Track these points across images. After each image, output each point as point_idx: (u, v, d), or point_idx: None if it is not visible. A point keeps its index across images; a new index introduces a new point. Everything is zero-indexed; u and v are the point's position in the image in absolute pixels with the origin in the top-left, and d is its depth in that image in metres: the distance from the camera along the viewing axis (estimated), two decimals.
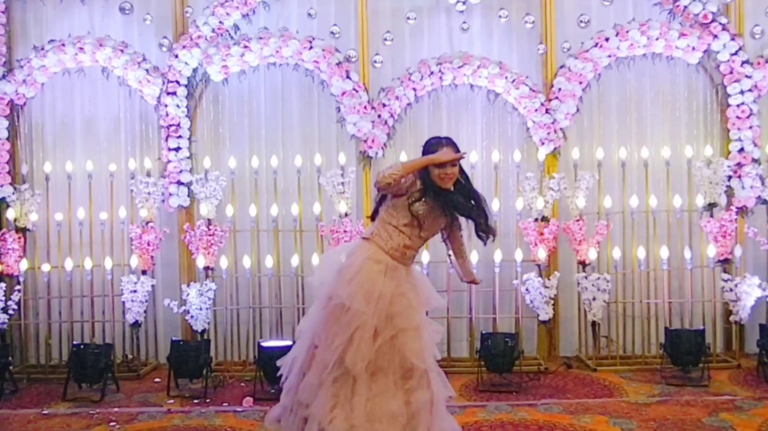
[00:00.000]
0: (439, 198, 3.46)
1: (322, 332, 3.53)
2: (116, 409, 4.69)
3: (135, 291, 5.41)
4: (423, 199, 3.44)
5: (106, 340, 5.57)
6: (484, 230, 3.57)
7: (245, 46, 5.60)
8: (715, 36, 5.55)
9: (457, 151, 3.48)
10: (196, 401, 4.85)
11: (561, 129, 5.61)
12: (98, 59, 5.68)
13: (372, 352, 3.43)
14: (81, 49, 5.63)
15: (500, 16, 5.76)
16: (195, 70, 5.68)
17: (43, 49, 5.67)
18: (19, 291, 5.46)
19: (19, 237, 5.58)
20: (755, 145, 5.56)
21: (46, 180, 5.74)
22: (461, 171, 3.54)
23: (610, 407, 4.52)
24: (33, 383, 5.37)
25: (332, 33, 5.73)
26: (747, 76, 5.54)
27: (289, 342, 5.08)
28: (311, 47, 5.57)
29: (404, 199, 3.45)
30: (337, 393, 3.46)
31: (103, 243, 5.66)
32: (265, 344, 5.04)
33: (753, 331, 5.59)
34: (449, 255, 3.81)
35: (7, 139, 5.74)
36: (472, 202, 3.57)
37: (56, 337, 5.68)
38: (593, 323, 5.43)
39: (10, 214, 5.59)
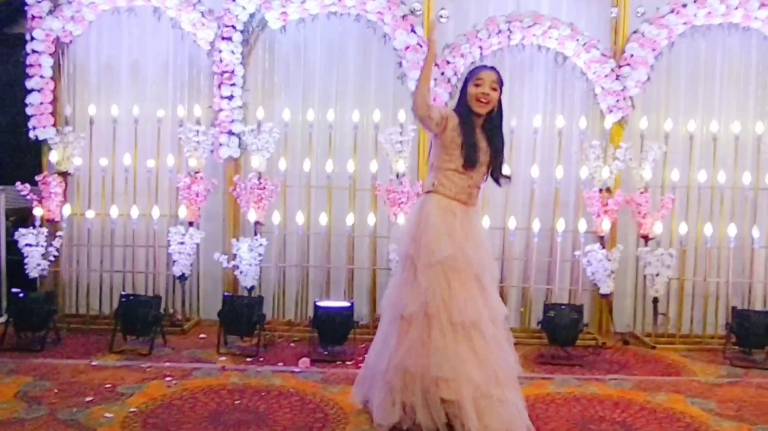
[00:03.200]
0: (477, 128, 3.47)
1: (414, 295, 3.38)
2: (168, 364, 4.51)
3: (183, 243, 5.21)
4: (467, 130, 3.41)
5: (147, 292, 5.39)
6: (500, 174, 3.59)
7: None
8: None
9: (500, 78, 3.45)
10: (249, 359, 4.68)
11: (630, 97, 5.40)
12: None
13: (480, 298, 3.36)
14: None
15: None
16: (252, 16, 5.42)
17: None
18: (60, 237, 5.24)
19: (61, 182, 5.36)
20: None
21: (90, 123, 5.50)
22: (500, 104, 3.50)
23: (682, 386, 4.38)
24: (74, 333, 5.19)
25: None
26: None
27: (345, 303, 4.95)
28: None
29: (449, 137, 3.39)
30: (459, 351, 3.32)
31: (149, 192, 5.44)
32: (321, 304, 4.86)
33: None
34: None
35: (51, 78, 5.46)
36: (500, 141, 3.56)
37: (95, 287, 5.48)
38: (654, 299, 5.28)
39: (53, 156, 5.35)
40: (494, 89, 3.42)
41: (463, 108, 3.47)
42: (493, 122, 3.52)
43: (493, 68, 3.51)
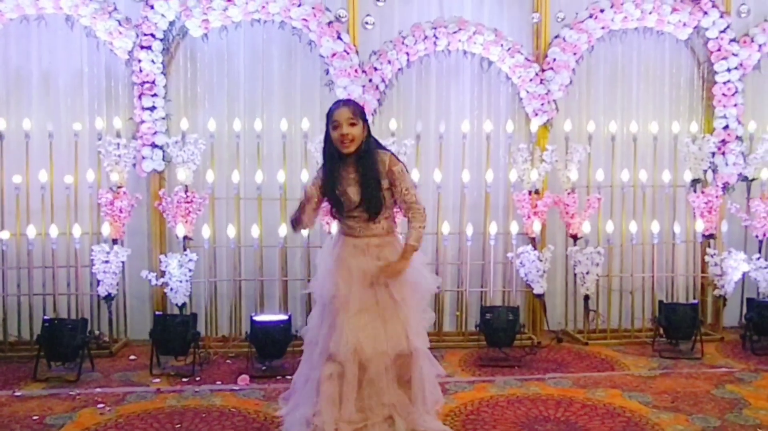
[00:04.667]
0: (349, 167, 3.34)
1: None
2: (98, 389, 4.30)
3: (107, 262, 4.97)
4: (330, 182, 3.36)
5: (71, 315, 5.13)
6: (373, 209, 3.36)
7: (229, 0, 5.19)
8: (705, 13, 5.57)
9: (355, 109, 3.33)
10: (184, 379, 4.51)
11: (554, 100, 5.52)
12: (62, 6, 5.13)
13: (356, 335, 3.29)
14: None
15: None
16: (171, 24, 5.24)
17: None
18: None
19: None
20: (739, 122, 5.65)
21: None
22: (369, 133, 3.35)
23: (618, 380, 4.51)
24: None
25: None
26: (734, 54, 5.60)
27: (282, 316, 4.85)
28: (300, 4, 5.23)
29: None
30: (328, 390, 3.29)
31: (68, 209, 5.17)
32: (258, 318, 4.74)
33: (728, 305, 5.71)
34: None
35: None
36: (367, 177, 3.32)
37: (13, 312, 5.16)
38: (585, 297, 5.40)
39: None
40: (353, 124, 3.26)
41: (331, 152, 3.35)
42: (363, 156, 3.33)
43: (346, 102, 3.39)
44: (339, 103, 3.39)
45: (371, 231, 3.38)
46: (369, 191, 3.32)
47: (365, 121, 3.36)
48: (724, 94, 5.63)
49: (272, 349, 4.68)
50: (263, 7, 5.25)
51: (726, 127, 5.64)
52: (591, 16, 5.50)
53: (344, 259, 3.37)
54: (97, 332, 5.21)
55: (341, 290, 3.33)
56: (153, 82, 5.18)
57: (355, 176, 3.33)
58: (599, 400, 4.13)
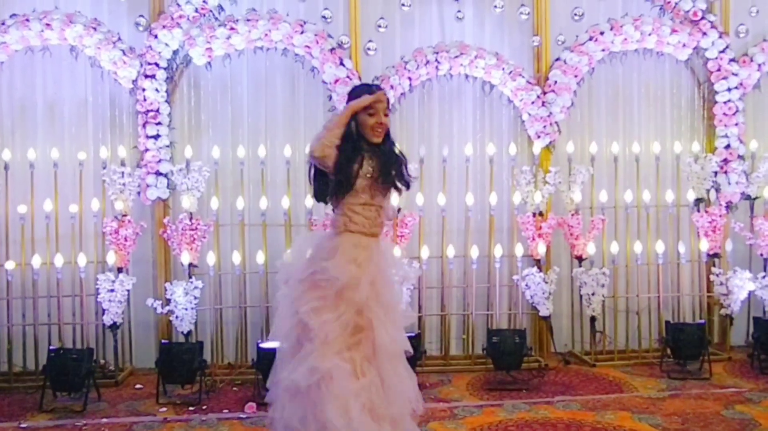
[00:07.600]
0: (376, 155, 3.10)
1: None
2: (105, 420, 4.28)
3: (113, 291, 4.96)
4: (366, 159, 3.07)
5: (76, 344, 5.12)
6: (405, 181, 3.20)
7: (232, 28, 5.23)
8: (705, 33, 5.61)
9: (389, 101, 3.20)
10: (191, 408, 4.48)
11: (556, 122, 5.55)
12: (67, 37, 5.17)
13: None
14: (48, 25, 5.10)
15: (495, 6, 5.63)
16: (175, 53, 5.29)
17: (3, 24, 5.12)
18: None
19: None
20: (740, 141, 5.67)
21: (5, 169, 5.20)
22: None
23: (627, 402, 4.48)
24: None
25: (324, 17, 5.46)
26: (734, 74, 5.64)
27: None
28: (303, 31, 5.28)
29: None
30: None
31: (73, 239, 5.17)
32: (264, 345, 4.72)
33: (734, 324, 5.69)
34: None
35: None
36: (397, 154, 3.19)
37: (18, 342, 5.14)
38: (592, 318, 5.39)
39: None
40: (387, 115, 3.14)
41: (353, 136, 3.07)
42: (385, 143, 3.15)
43: (378, 87, 3.24)
44: (376, 88, 3.19)
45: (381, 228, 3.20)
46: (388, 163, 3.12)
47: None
48: (725, 114, 5.66)
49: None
50: (266, 35, 5.29)
51: (728, 146, 5.66)
52: (591, 39, 5.54)
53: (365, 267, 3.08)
54: (102, 361, 5.19)
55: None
56: (157, 111, 5.21)
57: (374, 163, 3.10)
58: (609, 423, 4.10)
